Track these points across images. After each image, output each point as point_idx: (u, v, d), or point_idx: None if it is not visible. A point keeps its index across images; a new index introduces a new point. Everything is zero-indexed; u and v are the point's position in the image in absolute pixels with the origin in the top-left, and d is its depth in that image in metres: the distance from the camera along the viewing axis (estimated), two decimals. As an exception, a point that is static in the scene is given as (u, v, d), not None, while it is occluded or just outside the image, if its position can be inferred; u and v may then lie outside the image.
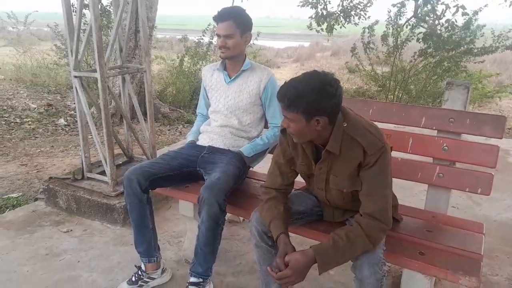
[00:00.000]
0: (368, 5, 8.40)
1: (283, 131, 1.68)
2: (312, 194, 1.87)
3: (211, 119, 2.36)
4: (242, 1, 7.57)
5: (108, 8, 7.79)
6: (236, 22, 2.10)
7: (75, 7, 3.07)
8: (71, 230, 2.77)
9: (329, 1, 8.41)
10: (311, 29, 8.52)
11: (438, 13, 7.15)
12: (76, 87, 2.80)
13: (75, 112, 6.88)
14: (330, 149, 1.54)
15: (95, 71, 2.65)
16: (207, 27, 7.35)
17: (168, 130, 6.29)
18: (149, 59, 3.03)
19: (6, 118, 6.23)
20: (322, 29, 8.47)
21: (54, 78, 9.09)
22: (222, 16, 2.11)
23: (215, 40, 7.46)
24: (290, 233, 1.65)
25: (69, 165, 4.30)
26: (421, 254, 1.68)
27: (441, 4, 7.06)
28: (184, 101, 7.34)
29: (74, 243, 2.62)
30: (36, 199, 3.26)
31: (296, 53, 19.85)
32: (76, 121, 6.47)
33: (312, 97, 1.40)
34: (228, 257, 2.46)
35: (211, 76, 2.33)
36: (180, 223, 2.86)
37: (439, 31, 7.12)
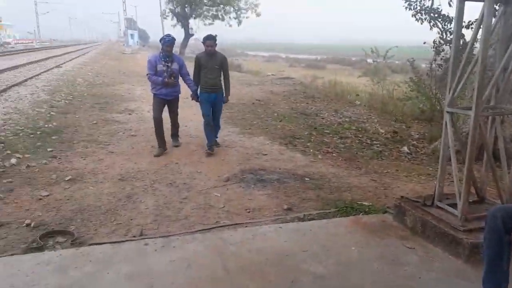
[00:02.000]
0: None
1: None
2: None
3: None
4: None
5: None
6: None
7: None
8: (414, 248, 3.07)
9: None
10: None
11: None
12: (446, 122, 3.05)
13: (418, 142, 7.35)
14: None
15: (469, 109, 2.81)
16: None
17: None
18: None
19: (359, 138, 7.37)
20: None
21: (401, 108, 9.86)
22: None
23: None
24: None
25: (412, 190, 4.66)
26: None
27: None
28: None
29: (416, 260, 2.90)
30: (385, 212, 3.79)
31: None
32: (418, 151, 6.90)
33: None
34: None
35: None
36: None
37: None
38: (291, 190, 4.48)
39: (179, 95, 5.90)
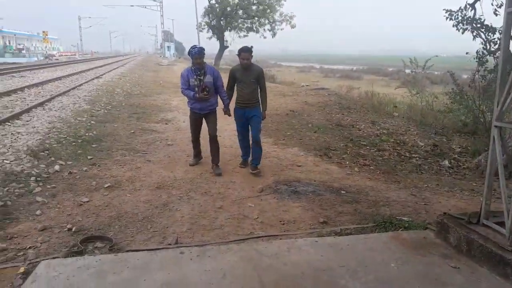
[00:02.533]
0: None
1: None
2: None
3: None
4: None
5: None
6: None
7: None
8: (458, 267, 2.92)
9: None
10: None
11: None
12: (494, 136, 2.91)
13: (459, 156, 7.04)
14: None
15: (522, 123, 2.66)
16: None
17: None
18: None
19: (398, 151, 7.16)
20: None
21: (441, 121, 9.53)
22: None
23: None
24: None
25: (454, 206, 4.46)
26: None
27: None
28: None
29: (461, 281, 2.75)
30: (426, 228, 3.63)
31: None
32: (460, 165, 6.62)
33: None
34: None
35: None
36: None
37: None
38: (327, 203, 4.39)
39: (216, 107, 5.44)
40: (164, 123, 8.89)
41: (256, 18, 31.14)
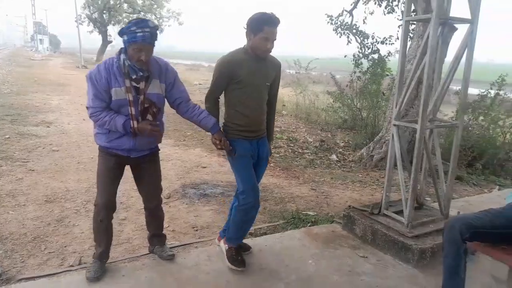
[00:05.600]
0: None
1: None
2: None
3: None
4: None
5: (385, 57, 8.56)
6: None
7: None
8: (366, 257, 3.15)
9: None
10: None
11: None
12: (393, 134, 3.21)
13: (344, 150, 7.73)
14: None
15: (415, 122, 2.98)
16: (498, 78, 6.83)
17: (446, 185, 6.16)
18: (463, 115, 3.16)
19: (292, 147, 7.56)
20: None
21: (324, 118, 10.35)
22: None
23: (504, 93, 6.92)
24: None
25: (350, 197, 4.84)
26: None
27: None
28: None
29: (370, 269, 2.97)
30: (332, 221, 3.87)
31: None
32: (345, 159, 7.25)
33: None
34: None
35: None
36: (475, 283, 2.79)
37: None
38: (237, 203, 4.38)
39: (157, 148, 2.88)
40: (45, 125, 7.86)
41: (143, 13, 29.73)
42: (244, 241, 3.14)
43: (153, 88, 2.52)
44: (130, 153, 2.65)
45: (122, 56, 2.41)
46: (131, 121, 2.49)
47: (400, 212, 3.29)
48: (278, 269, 2.90)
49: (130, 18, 30.98)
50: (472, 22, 3.05)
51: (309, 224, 3.87)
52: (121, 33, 2.38)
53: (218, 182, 5.03)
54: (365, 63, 8.98)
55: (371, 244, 3.30)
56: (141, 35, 2.31)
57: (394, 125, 3.18)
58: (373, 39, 8.88)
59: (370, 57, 8.90)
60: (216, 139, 2.72)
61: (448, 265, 2.24)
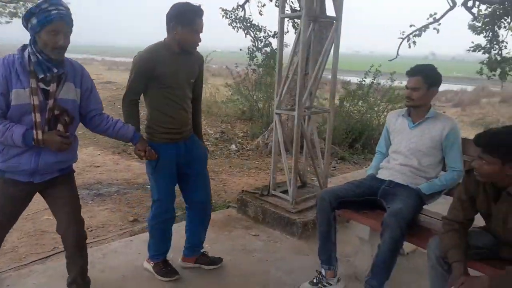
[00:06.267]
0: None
1: (469, 171, 1.95)
2: (490, 232, 2.05)
3: (391, 158, 2.72)
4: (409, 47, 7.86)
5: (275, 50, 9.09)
6: (424, 78, 2.47)
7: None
8: (258, 235, 3.43)
9: (505, 46, 7.97)
10: (481, 75, 8.14)
11: None
12: (276, 122, 3.51)
13: (243, 140, 8.07)
14: (511, 192, 1.76)
15: (293, 110, 3.31)
16: (370, 68, 7.77)
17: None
18: (334, 102, 3.59)
19: (193, 140, 7.65)
20: (494, 75, 8.02)
21: (224, 110, 10.61)
22: (413, 71, 2.51)
23: (377, 81, 7.92)
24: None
25: (246, 183, 5.13)
26: None
27: None
28: (338, 138, 7.69)
29: (261, 246, 3.25)
30: (228, 207, 4.08)
31: (456, 97, 18.59)
32: (244, 148, 7.58)
33: None
34: (393, 283, 2.71)
35: (396, 121, 2.72)
36: (347, 245, 3.23)
37: None
38: (134, 200, 4.35)
39: (70, 168, 2.34)
40: None
41: (22, 3, 26.65)
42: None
43: (66, 93, 2.05)
44: (33, 177, 2.08)
45: (28, 50, 1.94)
46: (35, 131, 1.96)
47: (286, 192, 3.63)
48: (176, 257, 2.99)
49: (7, 9, 27.65)
50: (337, 19, 3.46)
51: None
52: (28, 16, 1.91)
53: (113, 180, 4.91)
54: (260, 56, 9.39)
55: (262, 223, 3.59)
56: (56, 12, 1.88)
57: (276, 113, 3.48)
58: (264, 32, 9.31)
59: (263, 50, 9.32)
60: (141, 150, 2.43)
61: (321, 231, 2.58)
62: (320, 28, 4.68)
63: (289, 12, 6.63)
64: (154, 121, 2.53)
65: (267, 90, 9.06)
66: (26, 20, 1.93)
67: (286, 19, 4.56)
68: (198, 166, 2.70)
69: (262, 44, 9.33)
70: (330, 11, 3.62)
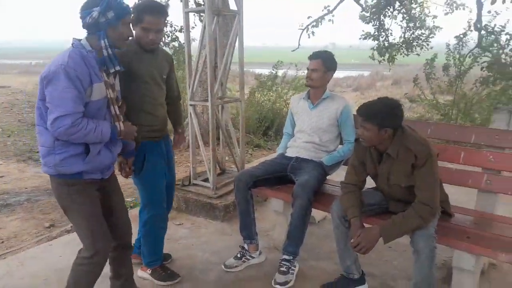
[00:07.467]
0: (431, 36, 8.84)
1: (357, 140, 2.31)
2: (379, 191, 2.44)
3: (296, 137, 3.03)
4: (309, 37, 8.44)
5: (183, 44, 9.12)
6: (323, 61, 2.80)
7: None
8: (182, 224, 3.54)
9: (391, 33, 8.97)
10: (373, 60, 9.06)
11: (502, 43, 7.43)
12: (190, 113, 3.63)
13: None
14: (389, 153, 2.15)
15: (206, 100, 3.46)
16: (278, 61, 8.26)
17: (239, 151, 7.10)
18: (243, 91, 3.82)
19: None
20: (384, 59, 8.98)
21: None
22: (314, 55, 2.84)
23: (281, 73, 8.43)
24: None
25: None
26: (468, 238, 2.18)
27: (505, 34, 7.37)
28: (253, 127, 8.02)
29: (186, 233, 3.37)
30: (150, 201, 4.10)
31: (355, 83, 20.29)
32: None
33: (385, 114, 2.04)
34: (308, 248, 3.05)
35: (298, 104, 3.03)
36: (265, 222, 3.51)
37: (503, 60, 7.33)
38: (48, 206, 4.17)
39: None
40: None
41: None
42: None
43: (117, 85, 2.04)
44: (104, 173, 2.01)
45: (103, 43, 1.84)
46: (118, 124, 1.97)
47: (207, 180, 3.78)
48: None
49: None
50: (238, 13, 3.67)
51: (130, 209, 4.02)
52: (108, 7, 1.80)
53: (21, 189, 4.62)
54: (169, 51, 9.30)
55: (185, 212, 3.71)
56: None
57: (190, 105, 3.60)
58: (171, 27, 9.25)
59: (171, 45, 9.26)
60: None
61: (241, 210, 2.80)
62: (226, 21, 4.90)
63: (194, 6, 6.73)
64: (138, 120, 2.27)
65: (179, 85, 9.05)
66: (106, 10, 1.81)
67: (192, 13, 4.67)
68: (172, 168, 2.71)
69: (170, 39, 9.27)
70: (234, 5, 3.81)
